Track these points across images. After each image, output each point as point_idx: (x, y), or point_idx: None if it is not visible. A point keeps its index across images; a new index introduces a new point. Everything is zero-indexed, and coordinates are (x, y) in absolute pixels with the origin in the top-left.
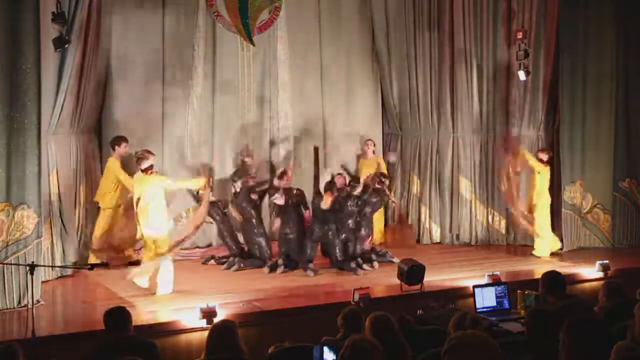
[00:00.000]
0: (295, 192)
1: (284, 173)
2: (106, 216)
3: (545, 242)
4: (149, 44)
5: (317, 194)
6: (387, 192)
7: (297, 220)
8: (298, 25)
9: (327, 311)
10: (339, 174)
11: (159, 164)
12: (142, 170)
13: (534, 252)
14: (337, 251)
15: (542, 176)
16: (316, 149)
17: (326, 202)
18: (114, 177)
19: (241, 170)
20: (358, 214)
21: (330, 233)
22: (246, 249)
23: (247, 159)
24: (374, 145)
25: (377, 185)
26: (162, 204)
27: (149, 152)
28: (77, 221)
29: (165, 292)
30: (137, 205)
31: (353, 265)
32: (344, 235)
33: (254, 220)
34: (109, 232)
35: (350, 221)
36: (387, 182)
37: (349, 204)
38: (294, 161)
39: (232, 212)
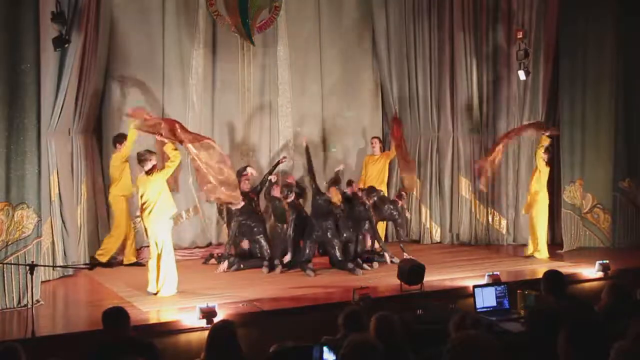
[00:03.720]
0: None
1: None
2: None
3: (543, 242)
4: (149, 43)
5: (319, 192)
6: (404, 206)
7: (295, 220)
8: (298, 25)
9: (327, 311)
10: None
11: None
12: (146, 172)
13: (535, 254)
14: (337, 251)
15: (542, 176)
16: (307, 148)
17: (336, 196)
18: (118, 165)
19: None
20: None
21: (329, 232)
22: (248, 247)
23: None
24: (380, 143)
25: (396, 199)
26: (166, 204)
27: (150, 152)
28: (78, 221)
29: (168, 294)
30: (141, 206)
31: (351, 265)
32: (345, 236)
33: (254, 221)
34: None
35: (348, 223)
36: (405, 197)
37: (359, 209)
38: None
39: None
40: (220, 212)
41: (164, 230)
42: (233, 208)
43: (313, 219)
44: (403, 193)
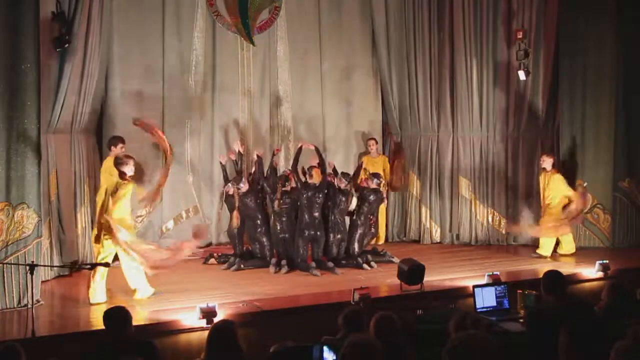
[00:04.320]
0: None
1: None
2: None
3: (550, 242)
4: (149, 43)
5: (302, 185)
6: (384, 191)
7: (291, 221)
8: (298, 25)
9: (327, 311)
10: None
11: (158, 164)
12: (119, 175)
13: (537, 251)
14: (320, 250)
15: (557, 186)
16: (300, 148)
17: (317, 176)
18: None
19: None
20: (356, 213)
21: (318, 232)
22: (250, 248)
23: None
24: (377, 144)
25: (373, 185)
26: (126, 211)
27: (128, 157)
28: (77, 221)
29: (143, 296)
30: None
31: (331, 264)
32: (339, 236)
33: (257, 219)
34: None
35: (340, 219)
36: (383, 181)
37: (340, 199)
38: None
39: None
40: (226, 198)
41: (121, 234)
42: (241, 191)
43: (305, 216)
44: (380, 178)
